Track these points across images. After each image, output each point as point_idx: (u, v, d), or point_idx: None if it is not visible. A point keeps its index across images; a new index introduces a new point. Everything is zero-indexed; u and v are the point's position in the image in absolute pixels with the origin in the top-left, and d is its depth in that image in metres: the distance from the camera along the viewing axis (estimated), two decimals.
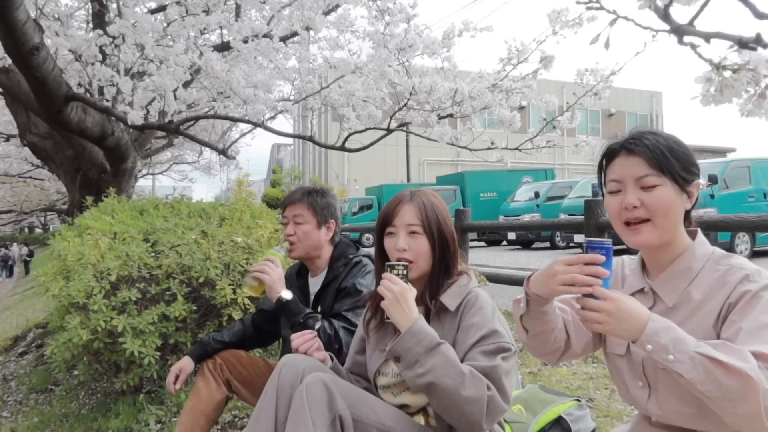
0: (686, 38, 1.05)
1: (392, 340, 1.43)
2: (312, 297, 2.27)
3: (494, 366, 1.38)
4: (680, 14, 1.13)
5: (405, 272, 1.49)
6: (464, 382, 1.32)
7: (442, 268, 1.59)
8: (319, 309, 2.18)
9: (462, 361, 1.41)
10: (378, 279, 1.59)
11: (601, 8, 1.12)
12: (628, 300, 1.13)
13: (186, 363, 2.24)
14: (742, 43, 0.98)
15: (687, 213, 1.29)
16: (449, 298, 1.53)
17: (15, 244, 33.70)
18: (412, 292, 1.46)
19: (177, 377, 2.21)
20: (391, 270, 1.50)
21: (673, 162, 1.22)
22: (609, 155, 1.31)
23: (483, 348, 1.42)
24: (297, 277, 2.35)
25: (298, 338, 1.70)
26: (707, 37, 1.02)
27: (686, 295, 1.23)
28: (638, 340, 1.09)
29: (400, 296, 1.43)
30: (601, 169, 1.34)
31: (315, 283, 2.27)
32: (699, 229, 1.31)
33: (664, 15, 1.05)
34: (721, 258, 1.24)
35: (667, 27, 1.09)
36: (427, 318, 1.55)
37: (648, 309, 1.19)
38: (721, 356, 1.03)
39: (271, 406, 1.51)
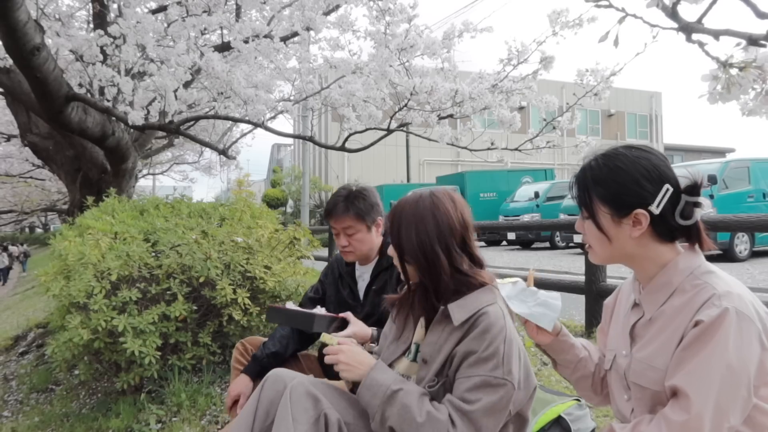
0: (694, 36, 1.05)
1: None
2: (361, 283, 2.24)
3: (472, 407, 1.33)
4: (687, 12, 1.13)
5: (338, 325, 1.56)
6: (420, 430, 1.33)
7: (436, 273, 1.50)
8: (370, 295, 2.17)
9: (454, 381, 1.39)
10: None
11: (610, 6, 1.12)
12: None
13: (243, 384, 2.10)
14: (752, 40, 0.98)
15: (671, 229, 1.21)
16: (458, 310, 1.42)
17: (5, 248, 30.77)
18: (353, 345, 1.53)
19: (235, 402, 2.08)
20: (324, 340, 1.56)
21: (594, 199, 1.24)
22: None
23: (469, 383, 1.36)
24: (346, 264, 2.31)
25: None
26: (716, 34, 1.01)
27: (663, 309, 1.22)
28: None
29: (349, 359, 1.47)
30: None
31: (364, 271, 2.24)
32: (688, 244, 1.25)
33: (672, 13, 1.05)
34: (702, 274, 1.19)
35: (674, 25, 1.08)
36: (430, 321, 1.51)
37: (635, 321, 1.29)
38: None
39: (249, 415, 1.49)
